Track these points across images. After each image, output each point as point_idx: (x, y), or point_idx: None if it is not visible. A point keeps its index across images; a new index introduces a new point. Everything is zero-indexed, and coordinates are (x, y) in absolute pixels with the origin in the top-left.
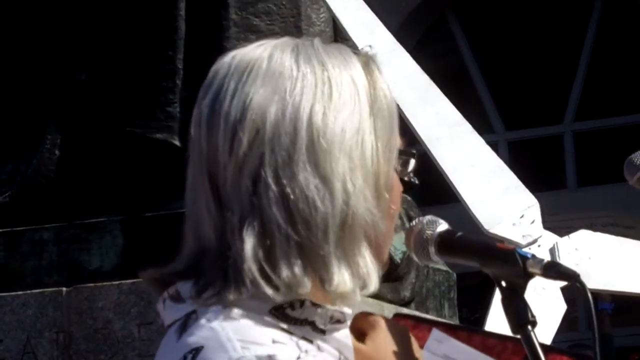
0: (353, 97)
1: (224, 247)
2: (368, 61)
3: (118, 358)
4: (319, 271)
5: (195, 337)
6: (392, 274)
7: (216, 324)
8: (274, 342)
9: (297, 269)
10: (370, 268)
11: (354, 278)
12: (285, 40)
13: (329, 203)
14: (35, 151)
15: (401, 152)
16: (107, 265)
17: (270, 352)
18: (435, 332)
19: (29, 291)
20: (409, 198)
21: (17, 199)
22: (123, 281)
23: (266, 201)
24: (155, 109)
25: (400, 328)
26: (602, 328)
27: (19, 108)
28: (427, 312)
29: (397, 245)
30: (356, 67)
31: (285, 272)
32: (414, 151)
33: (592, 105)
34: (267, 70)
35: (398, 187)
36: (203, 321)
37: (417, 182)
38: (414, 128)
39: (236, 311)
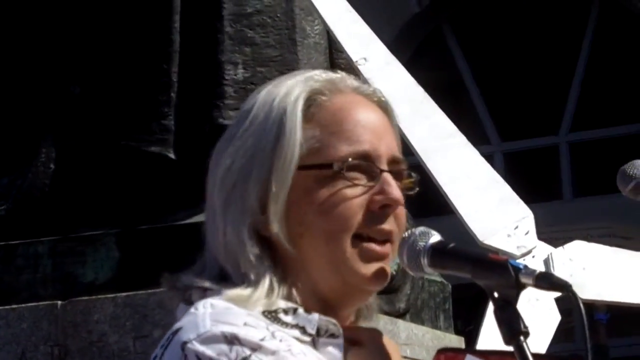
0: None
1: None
2: None
3: None
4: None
5: (181, 322)
6: (387, 285)
7: (201, 311)
8: (245, 324)
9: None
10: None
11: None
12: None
13: None
14: (30, 165)
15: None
16: (102, 278)
17: (236, 331)
18: (469, 358)
19: (24, 305)
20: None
21: (12, 213)
22: (118, 294)
23: None
24: (150, 122)
25: (393, 345)
26: (597, 339)
27: (14, 121)
28: (422, 324)
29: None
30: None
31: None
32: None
33: (587, 116)
34: None
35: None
36: (192, 309)
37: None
38: (408, 140)
39: (226, 303)
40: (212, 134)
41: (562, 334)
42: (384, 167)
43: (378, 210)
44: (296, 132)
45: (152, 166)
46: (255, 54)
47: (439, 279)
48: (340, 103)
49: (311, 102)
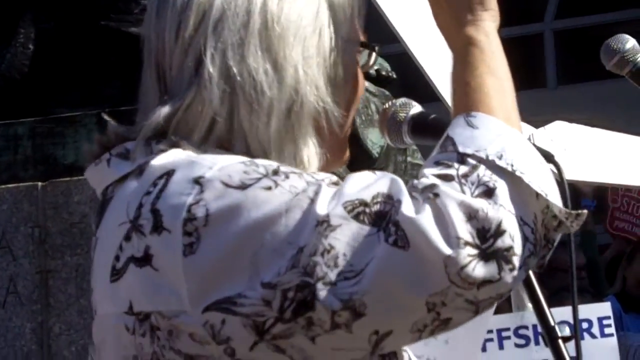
0: None
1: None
2: None
3: None
4: (258, 156)
5: (161, 165)
6: (369, 168)
7: (181, 152)
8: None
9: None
10: (313, 158)
11: (293, 166)
12: None
13: (276, 89)
14: (8, 45)
15: (362, 45)
16: (82, 160)
17: (250, 158)
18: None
19: (3, 186)
20: (387, 93)
21: None
22: None
23: (204, 81)
24: (130, 2)
25: None
26: (584, 224)
27: None
28: None
29: (374, 139)
30: None
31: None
32: (376, 45)
33: (573, 3)
34: None
35: (359, 80)
36: (164, 155)
37: (394, 76)
38: (391, 23)
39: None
40: None
41: None
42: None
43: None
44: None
45: (131, 46)
46: None
47: (422, 162)
48: None
49: None
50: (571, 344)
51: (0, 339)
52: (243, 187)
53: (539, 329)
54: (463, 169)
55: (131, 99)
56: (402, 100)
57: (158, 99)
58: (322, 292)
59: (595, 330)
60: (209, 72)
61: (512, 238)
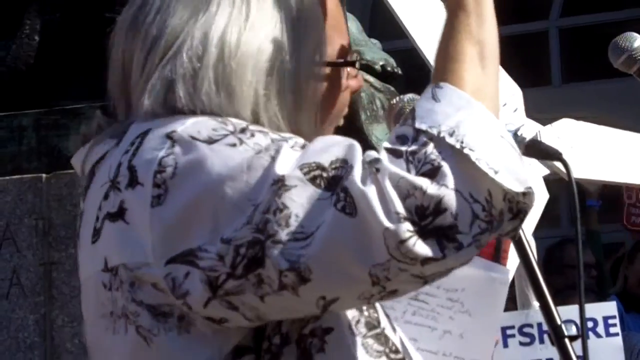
0: (275, 14)
1: None
2: None
3: None
4: None
5: (137, 130)
6: None
7: (169, 117)
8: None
9: None
10: None
11: None
12: None
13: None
14: (14, 36)
15: (343, 63)
16: None
17: (223, 118)
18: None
19: (7, 177)
20: (392, 89)
21: None
22: None
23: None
24: None
25: None
26: (589, 224)
27: None
28: None
29: (379, 135)
30: None
31: None
32: (354, 59)
33: (578, 0)
34: None
35: (336, 98)
36: (141, 125)
37: (400, 72)
38: (399, 18)
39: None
40: None
41: (549, 220)
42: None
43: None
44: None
45: None
46: None
47: None
48: None
49: None
50: (577, 343)
51: (3, 331)
52: (209, 141)
53: (544, 328)
54: (413, 147)
55: None
56: (409, 95)
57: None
58: (272, 250)
59: (601, 329)
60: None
61: (455, 216)
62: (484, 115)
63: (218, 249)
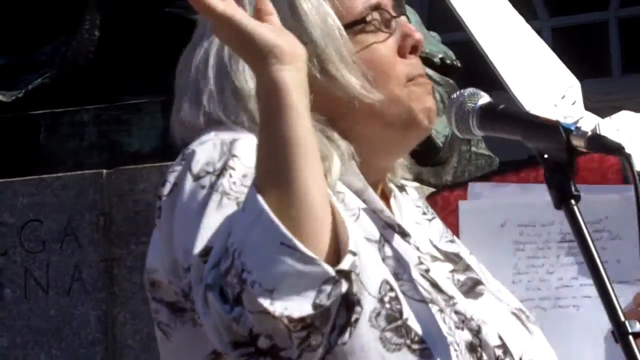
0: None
1: None
2: None
3: None
4: None
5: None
6: (433, 157)
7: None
8: (247, 133)
9: None
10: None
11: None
12: None
13: None
14: (74, 32)
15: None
16: (147, 147)
17: (235, 136)
18: (471, 187)
19: (69, 173)
20: (451, 81)
21: (56, 80)
22: (164, 163)
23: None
24: None
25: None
26: None
27: None
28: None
29: (438, 129)
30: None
31: None
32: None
33: None
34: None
35: (374, 57)
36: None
37: (459, 65)
38: (455, 9)
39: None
40: None
41: None
42: (393, 12)
43: (408, 55)
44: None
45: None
46: None
47: (486, 152)
48: None
49: None
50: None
51: (65, 327)
52: (195, 178)
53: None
54: (224, 266)
55: None
56: (470, 90)
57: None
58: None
59: None
60: None
61: (270, 337)
62: (266, 228)
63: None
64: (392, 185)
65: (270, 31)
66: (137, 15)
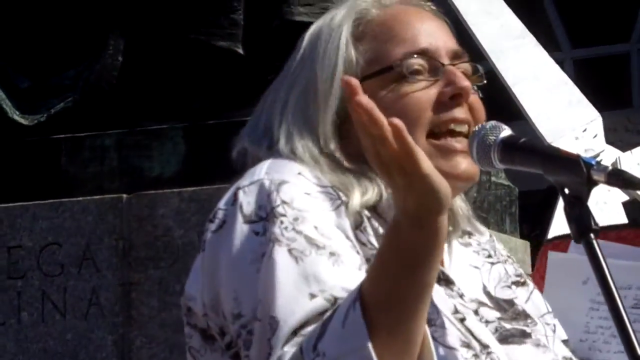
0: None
1: None
2: None
3: (178, 266)
4: None
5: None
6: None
7: (264, 162)
8: (298, 174)
9: None
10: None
11: None
12: None
13: None
14: (98, 57)
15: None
16: (168, 172)
17: (285, 178)
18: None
19: (89, 197)
20: None
21: (79, 105)
22: (184, 189)
23: None
24: (220, 16)
25: None
26: None
27: (82, 12)
28: (488, 226)
29: None
30: None
31: None
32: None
33: None
34: None
35: (404, 101)
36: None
37: (481, 95)
38: (477, 40)
39: (289, 160)
40: (281, 30)
41: None
42: (446, 61)
43: (449, 101)
44: (346, 51)
45: (220, 61)
46: None
47: (506, 182)
48: (390, 14)
49: (359, 22)
50: None
51: (82, 351)
52: (247, 221)
53: None
54: None
55: (218, 113)
56: (492, 123)
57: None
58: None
59: None
60: None
61: None
62: None
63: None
64: (454, 230)
65: (441, 178)
66: (160, 41)
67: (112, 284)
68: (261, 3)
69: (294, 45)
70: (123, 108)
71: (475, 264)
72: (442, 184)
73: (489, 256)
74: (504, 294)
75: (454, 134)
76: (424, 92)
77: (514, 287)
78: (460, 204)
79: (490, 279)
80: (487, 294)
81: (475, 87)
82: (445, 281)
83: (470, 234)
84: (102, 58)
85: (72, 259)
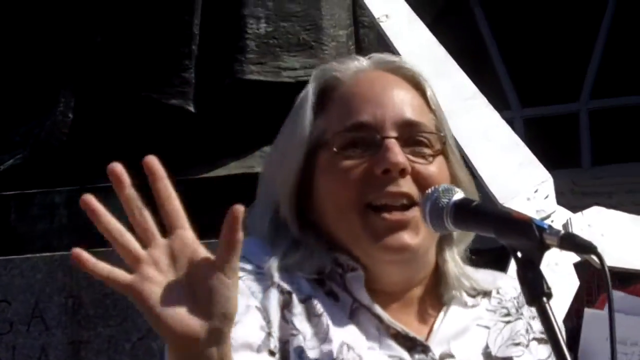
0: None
1: None
2: None
3: (127, 325)
4: None
5: None
6: None
7: None
8: (242, 257)
9: None
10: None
11: None
12: None
13: None
14: (48, 113)
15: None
16: None
17: (244, 302)
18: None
19: (38, 255)
20: None
21: (29, 161)
22: None
23: None
24: (171, 74)
25: None
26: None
27: (33, 69)
28: None
29: None
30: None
31: None
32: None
33: (608, 83)
34: None
35: (336, 178)
36: None
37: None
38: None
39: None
40: (232, 88)
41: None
42: (388, 133)
43: (382, 176)
44: (304, 123)
45: (172, 119)
46: (277, 8)
47: None
48: (351, 85)
49: (324, 94)
50: None
51: None
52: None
53: None
54: None
55: (169, 171)
56: (444, 186)
57: None
58: None
59: None
60: None
61: None
62: None
63: None
64: (450, 293)
65: (181, 319)
66: (112, 98)
67: (62, 342)
68: (212, 61)
69: (245, 103)
70: (73, 165)
71: (487, 323)
72: (176, 326)
73: (507, 314)
74: (505, 352)
75: (388, 208)
76: (354, 170)
77: (533, 343)
78: (452, 268)
79: (498, 338)
80: (487, 354)
81: (431, 157)
82: (422, 347)
83: (486, 294)
84: (53, 114)
85: (21, 316)
